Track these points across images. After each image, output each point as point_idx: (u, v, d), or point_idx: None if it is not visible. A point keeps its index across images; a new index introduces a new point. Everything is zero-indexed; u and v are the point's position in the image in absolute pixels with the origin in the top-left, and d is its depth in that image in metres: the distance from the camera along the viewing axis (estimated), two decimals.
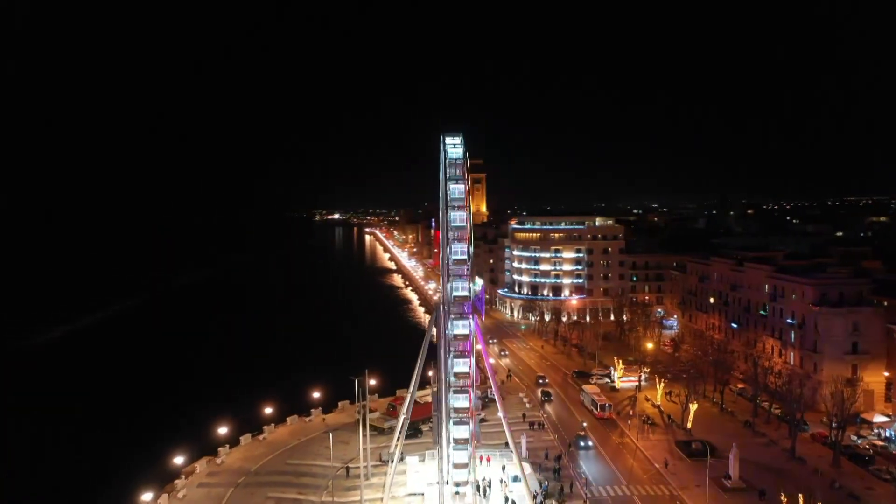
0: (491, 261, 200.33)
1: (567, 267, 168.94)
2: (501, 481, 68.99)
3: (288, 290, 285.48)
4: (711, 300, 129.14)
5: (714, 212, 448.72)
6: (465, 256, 64.17)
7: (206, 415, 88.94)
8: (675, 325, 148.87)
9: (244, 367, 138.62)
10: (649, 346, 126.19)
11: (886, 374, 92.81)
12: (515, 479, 67.66)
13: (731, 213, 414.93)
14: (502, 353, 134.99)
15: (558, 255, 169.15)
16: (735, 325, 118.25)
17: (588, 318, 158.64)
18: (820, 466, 74.23)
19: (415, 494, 67.98)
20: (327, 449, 78.66)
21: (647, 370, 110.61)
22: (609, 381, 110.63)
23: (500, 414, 69.01)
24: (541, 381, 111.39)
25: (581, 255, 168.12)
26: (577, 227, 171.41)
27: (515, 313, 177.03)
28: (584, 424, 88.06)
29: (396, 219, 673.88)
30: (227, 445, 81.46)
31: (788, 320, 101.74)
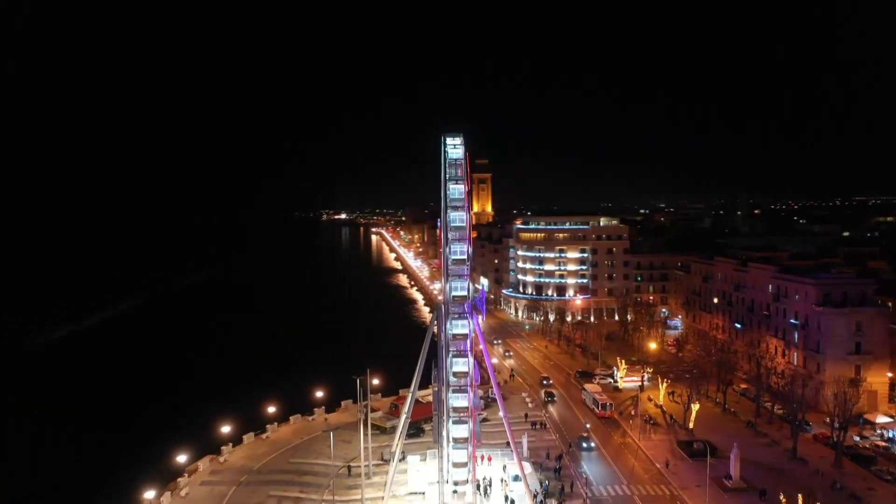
0: (496, 261, 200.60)
1: (571, 267, 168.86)
2: (502, 480, 69.29)
3: (291, 289, 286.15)
4: (715, 300, 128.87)
5: (721, 212, 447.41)
6: (465, 256, 64.44)
7: (210, 414, 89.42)
8: (679, 325, 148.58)
9: (247, 366, 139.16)
10: (653, 346, 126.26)
11: (890, 374, 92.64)
12: (516, 478, 67.89)
13: (738, 213, 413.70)
14: (507, 353, 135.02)
15: (563, 255, 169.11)
16: (739, 326, 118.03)
17: (592, 318, 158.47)
18: (821, 467, 74.24)
19: (416, 493, 68.35)
20: (329, 448, 79.07)
21: (650, 370, 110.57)
22: (612, 381, 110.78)
23: (501, 413, 69.29)
24: (545, 381, 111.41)
25: (585, 255, 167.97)
26: (581, 227, 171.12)
27: (520, 313, 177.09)
28: (588, 426, 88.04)
29: (403, 219, 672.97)
30: (231, 444, 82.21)
31: (792, 321, 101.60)
